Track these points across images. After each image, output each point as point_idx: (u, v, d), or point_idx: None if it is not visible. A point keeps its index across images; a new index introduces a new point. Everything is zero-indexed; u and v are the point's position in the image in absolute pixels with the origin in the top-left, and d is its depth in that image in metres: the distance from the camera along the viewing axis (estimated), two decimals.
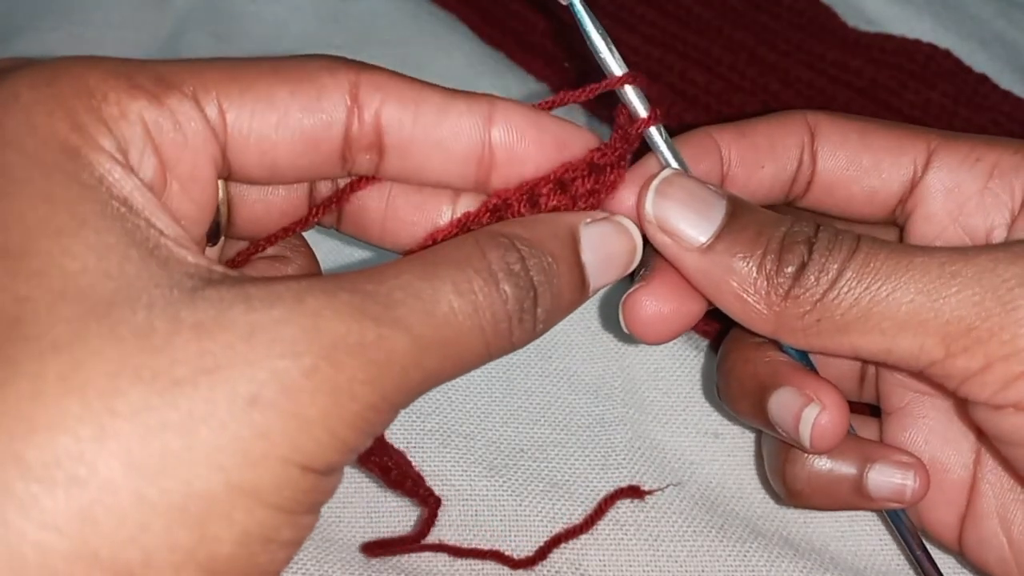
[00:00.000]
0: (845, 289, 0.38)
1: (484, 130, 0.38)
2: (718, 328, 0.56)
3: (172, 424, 0.28)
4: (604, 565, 0.50)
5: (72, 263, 0.29)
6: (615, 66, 0.40)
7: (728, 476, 0.53)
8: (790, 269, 0.38)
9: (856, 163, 0.44)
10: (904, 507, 0.45)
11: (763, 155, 0.44)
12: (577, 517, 0.51)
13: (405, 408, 0.33)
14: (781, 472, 0.45)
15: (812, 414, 0.41)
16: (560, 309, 0.37)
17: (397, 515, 0.51)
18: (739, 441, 0.55)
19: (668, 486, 0.52)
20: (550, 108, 0.40)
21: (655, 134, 0.42)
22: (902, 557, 0.51)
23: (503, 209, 0.39)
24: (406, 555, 0.50)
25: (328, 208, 0.41)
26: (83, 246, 0.30)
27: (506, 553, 0.49)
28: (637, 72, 0.41)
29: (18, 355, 0.28)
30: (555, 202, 0.39)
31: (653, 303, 0.42)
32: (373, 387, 0.31)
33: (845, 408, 0.41)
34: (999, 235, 0.42)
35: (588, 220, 0.39)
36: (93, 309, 0.29)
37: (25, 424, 0.27)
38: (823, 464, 0.44)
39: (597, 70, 0.41)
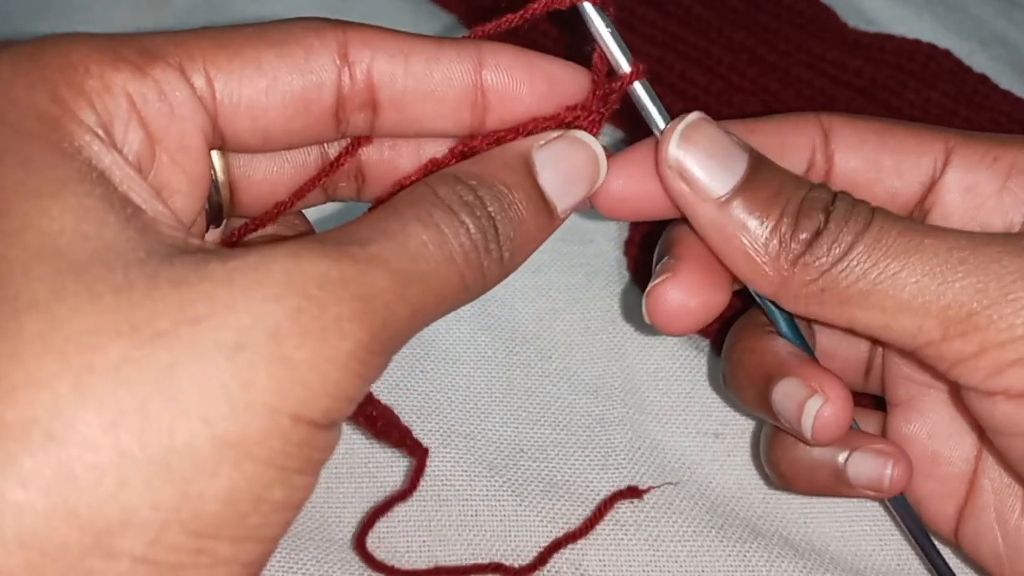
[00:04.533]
0: (855, 263, 0.38)
1: (475, 74, 0.38)
2: (718, 328, 0.56)
3: (152, 377, 0.27)
4: (604, 565, 0.50)
5: (50, 224, 0.29)
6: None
7: (728, 476, 0.53)
8: (804, 235, 0.38)
9: (876, 165, 0.44)
10: (883, 496, 0.45)
11: (770, 154, 0.44)
12: (577, 517, 0.51)
13: (396, 352, 0.33)
14: (770, 457, 0.46)
15: (815, 406, 0.41)
16: (527, 237, 0.36)
17: (397, 515, 0.51)
18: (739, 441, 0.55)
19: (666, 484, 0.52)
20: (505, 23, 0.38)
21: (641, 92, 0.40)
22: (902, 557, 0.51)
23: (469, 155, 0.38)
24: (406, 557, 0.50)
25: (327, 175, 0.40)
26: (61, 208, 0.29)
27: (506, 563, 0.49)
28: (610, 3, 0.38)
29: None
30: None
31: (678, 295, 0.42)
32: (361, 324, 0.30)
33: (849, 401, 0.42)
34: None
35: (541, 142, 0.38)
36: (70, 268, 0.28)
37: (2, 383, 0.27)
38: (805, 450, 0.44)
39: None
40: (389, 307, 0.31)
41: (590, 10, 0.38)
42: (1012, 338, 0.36)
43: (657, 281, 0.42)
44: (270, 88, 0.35)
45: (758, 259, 0.39)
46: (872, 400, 0.51)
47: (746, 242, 0.39)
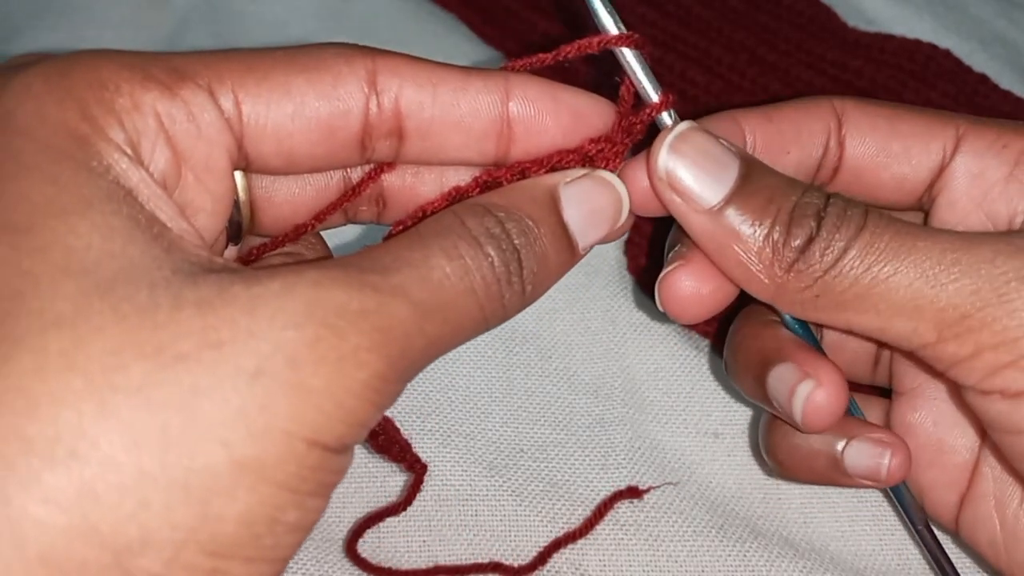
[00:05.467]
0: (848, 268, 0.38)
1: (502, 106, 0.38)
2: (718, 328, 0.56)
3: (174, 399, 0.28)
4: (604, 565, 0.50)
5: (76, 241, 0.29)
6: (612, 26, 0.39)
7: (728, 476, 0.53)
8: (797, 242, 0.38)
9: (885, 150, 0.43)
10: (881, 486, 0.45)
11: (788, 140, 0.43)
12: (577, 517, 0.51)
13: (411, 380, 0.33)
14: (767, 445, 0.46)
15: (806, 390, 0.41)
16: (548, 272, 0.37)
17: (396, 515, 0.51)
18: (739, 441, 0.55)
19: (666, 484, 0.52)
20: (553, 60, 0.39)
21: (669, 123, 0.40)
22: (902, 557, 0.51)
23: (493, 186, 0.39)
24: (406, 557, 0.50)
25: (348, 200, 0.40)
26: (88, 226, 0.30)
27: (505, 563, 0.49)
28: (643, 39, 0.39)
29: (20, 330, 0.28)
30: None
31: (691, 283, 0.42)
32: (378, 355, 0.30)
33: (842, 388, 0.41)
34: (1021, 221, 0.42)
35: (567, 179, 0.38)
36: (96, 286, 0.29)
37: (26, 399, 0.27)
38: (802, 438, 0.44)
39: (601, 62, 0.40)
40: (408, 338, 0.31)
41: (628, 52, 0.39)
42: (1006, 340, 0.36)
43: (669, 269, 0.42)
44: (297, 113, 0.36)
45: (752, 267, 0.39)
46: (879, 389, 0.51)
47: (739, 251, 0.39)
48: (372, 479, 0.52)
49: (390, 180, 0.41)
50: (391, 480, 0.52)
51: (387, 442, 0.46)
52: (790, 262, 0.38)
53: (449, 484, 0.52)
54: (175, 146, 0.34)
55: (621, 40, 0.39)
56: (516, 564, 0.49)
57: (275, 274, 0.30)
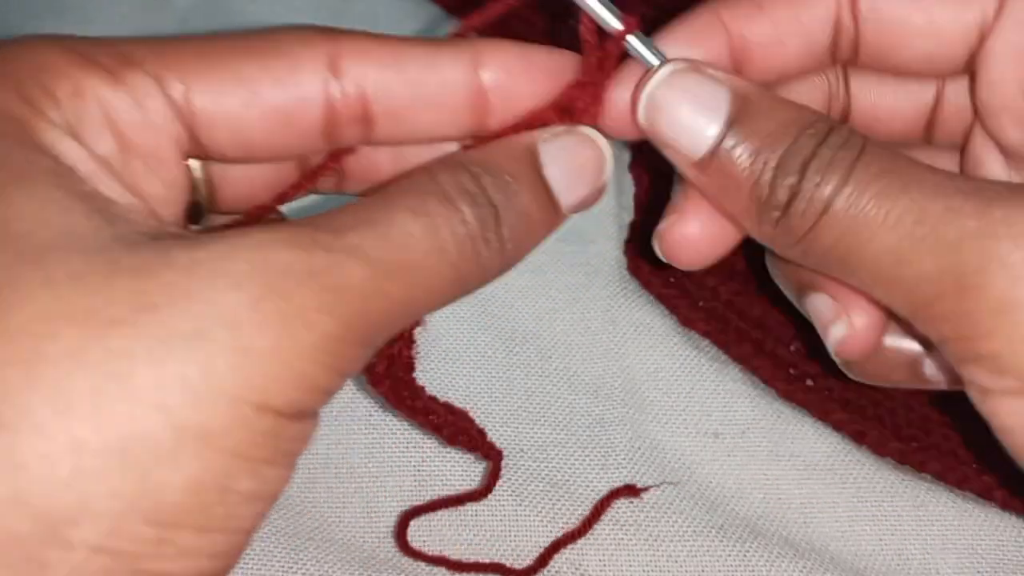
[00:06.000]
0: (827, 229, 0.35)
1: (473, 76, 0.37)
2: (718, 327, 0.56)
3: (106, 364, 0.27)
4: (604, 565, 0.50)
5: (6, 210, 0.28)
6: None
7: (728, 476, 0.53)
8: (781, 200, 0.36)
9: (906, 23, 0.39)
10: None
11: (784, 29, 0.39)
12: (577, 517, 0.51)
13: (380, 344, 0.32)
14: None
15: (840, 331, 0.40)
16: (530, 230, 0.35)
17: (396, 514, 0.51)
18: (739, 441, 0.55)
19: (665, 483, 0.52)
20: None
21: (638, 45, 0.37)
22: (902, 557, 0.51)
23: None
24: (406, 558, 0.50)
25: (308, 183, 0.39)
26: (24, 196, 0.29)
27: (506, 564, 0.49)
28: None
29: None
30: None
31: (693, 228, 0.40)
32: (330, 315, 0.29)
33: (876, 326, 0.40)
34: None
35: (546, 136, 0.37)
36: (26, 254, 0.28)
37: None
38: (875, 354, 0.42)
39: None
40: (365, 299, 0.30)
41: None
42: (962, 336, 0.35)
43: (669, 219, 0.40)
44: (249, 102, 0.34)
45: (743, 219, 0.38)
46: None
47: (728, 203, 0.37)
48: (372, 479, 0.52)
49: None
50: (391, 480, 0.52)
51: (454, 434, 0.45)
52: (775, 220, 0.36)
53: (449, 484, 0.52)
54: (120, 133, 0.33)
55: None
56: (516, 565, 0.49)
57: (219, 237, 0.29)
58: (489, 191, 0.34)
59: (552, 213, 0.36)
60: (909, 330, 0.44)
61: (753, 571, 0.50)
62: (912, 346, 0.42)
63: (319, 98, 0.35)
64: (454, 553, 0.50)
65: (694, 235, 0.40)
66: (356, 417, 0.54)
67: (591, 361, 0.57)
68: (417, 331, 0.39)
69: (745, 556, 0.50)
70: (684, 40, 0.39)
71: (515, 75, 0.37)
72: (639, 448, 0.54)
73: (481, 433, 0.46)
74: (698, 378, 0.57)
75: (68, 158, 0.31)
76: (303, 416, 0.30)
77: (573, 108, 0.37)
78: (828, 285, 0.41)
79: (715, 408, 0.56)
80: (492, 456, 0.47)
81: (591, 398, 0.56)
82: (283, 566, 0.49)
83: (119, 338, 0.27)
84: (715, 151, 0.36)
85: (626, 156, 0.62)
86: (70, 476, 0.26)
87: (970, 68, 0.40)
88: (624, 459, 0.53)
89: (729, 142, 0.36)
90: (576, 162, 0.37)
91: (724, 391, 0.56)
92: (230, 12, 0.74)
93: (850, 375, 0.45)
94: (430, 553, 0.49)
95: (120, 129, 0.33)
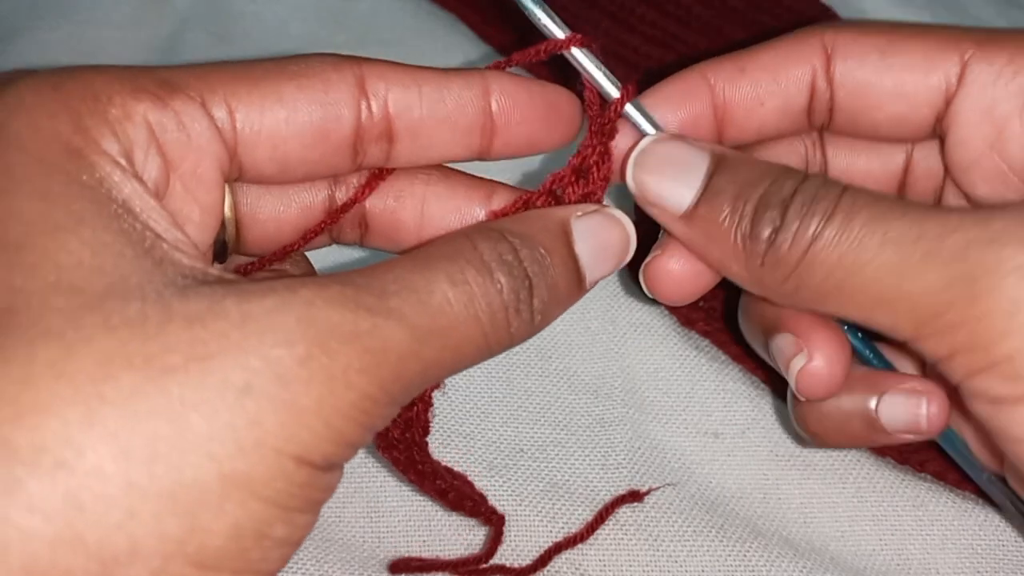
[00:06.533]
0: (820, 258, 0.36)
1: (484, 99, 0.39)
2: (718, 327, 0.56)
3: (163, 411, 0.28)
4: (604, 565, 0.50)
5: (67, 258, 0.29)
6: (557, 31, 0.39)
7: (728, 476, 0.53)
8: (765, 234, 0.37)
9: (876, 88, 0.41)
10: (923, 438, 0.43)
11: (764, 90, 0.42)
12: (577, 517, 0.51)
13: (405, 403, 0.33)
14: (796, 415, 0.45)
15: (799, 364, 0.41)
16: (557, 302, 0.37)
17: (396, 514, 0.51)
18: (739, 441, 0.55)
19: (666, 485, 0.52)
20: (504, 67, 0.40)
21: (633, 113, 0.40)
22: (902, 557, 0.51)
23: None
24: (406, 555, 0.50)
25: (344, 211, 0.41)
26: (78, 242, 0.30)
27: (507, 564, 0.49)
28: (587, 37, 0.39)
29: (9, 342, 0.28)
30: (579, 192, 0.40)
31: (676, 265, 0.41)
32: (369, 377, 0.30)
33: (837, 357, 0.41)
34: None
35: (579, 213, 0.39)
36: (86, 301, 0.29)
37: (13, 408, 0.27)
38: (832, 404, 0.43)
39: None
40: (402, 362, 0.31)
41: (576, 52, 0.40)
42: (977, 344, 0.35)
43: (653, 255, 0.42)
44: (290, 118, 0.36)
45: (732, 266, 0.39)
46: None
47: (715, 252, 0.39)
48: (372, 479, 0.52)
49: (373, 203, 0.41)
50: (391, 480, 0.52)
51: (458, 498, 0.46)
52: (761, 256, 0.38)
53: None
54: (165, 155, 0.34)
55: (567, 43, 0.39)
56: (517, 565, 0.49)
57: (268, 290, 0.30)
58: (526, 263, 0.35)
59: (578, 287, 0.38)
60: (906, 353, 0.44)
61: (753, 571, 0.50)
62: (868, 402, 0.42)
63: (350, 115, 0.37)
64: (454, 553, 0.50)
65: (675, 272, 0.42)
66: None
67: (591, 361, 0.57)
68: (436, 393, 0.40)
69: (745, 556, 0.50)
70: (672, 98, 0.42)
71: (519, 102, 0.40)
72: (639, 448, 0.54)
73: (482, 498, 0.47)
74: (698, 378, 0.57)
75: (120, 192, 0.32)
76: (333, 468, 0.32)
77: (586, 167, 0.40)
78: (792, 323, 0.42)
79: (715, 408, 0.56)
80: (494, 521, 0.48)
81: (591, 398, 0.56)
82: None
83: (176, 385, 0.28)
84: (698, 202, 0.38)
85: None
86: (124, 518, 0.27)
87: (938, 130, 0.41)
88: (624, 459, 0.53)
89: (710, 192, 0.38)
90: (605, 241, 0.39)
91: (724, 391, 0.56)
92: (230, 12, 0.74)
93: (818, 445, 0.47)
94: (429, 556, 0.49)
95: (165, 151, 0.34)
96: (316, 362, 0.29)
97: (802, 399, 0.42)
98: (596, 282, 0.39)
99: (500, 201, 0.41)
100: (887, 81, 0.41)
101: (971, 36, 0.40)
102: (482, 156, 0.40)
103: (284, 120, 0.36)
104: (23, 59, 0.69)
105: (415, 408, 0.41)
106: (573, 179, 0.40)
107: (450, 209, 0.41)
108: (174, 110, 0.34)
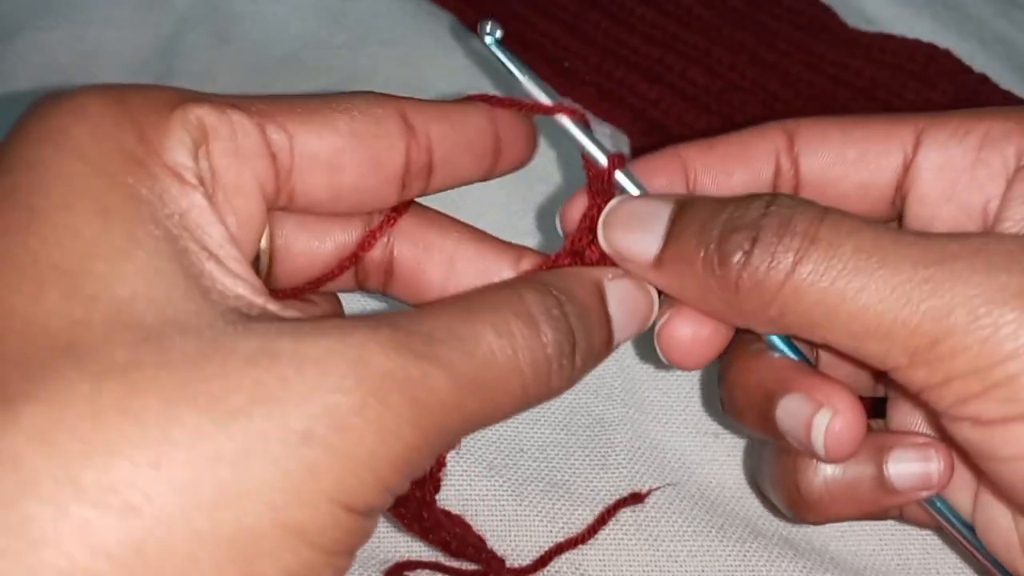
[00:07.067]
0: (808, 281, 0.35)
1: (494, 124, 0.40)
2: None
3: (226, 456, 0.28)
4: (604, 565, 0.50)
5: (123, 288, 0.29)
6: (546, 98, 0.41)
7: (728, 476, 0.53)
8: (735, 258, 0.36)
9: (841, 158, 0.43)
10: (932, 494, 0.42)
11: (732, 164, 0.43)
12: (577, 517, 0.51)
13: (442, 453, 0.33)
14: (793, 485, 0.43)
15: (824, 420, 0.39)
16: (594, 358, 0.38)
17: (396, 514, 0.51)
18: (739, 441, 0.55)
19: (667, 485, 0.52)
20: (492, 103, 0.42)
21: (620, 178, 0.42)
22: (902, 557, 0.51)
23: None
24: (406, 556, 0.50)
25: (371, 243, 0.41)
26: (134, 270, 0.30)
27: (510, 566, 0.49)
28: (575, 109, 0.41)
29: (74, 377, 0.28)
30: None
31: (687, 328, 0.41)
32: (417, 427, 0.30)
33: (860, 409, 0.39)
34: (995, 207, 0.40)
35: (610, 276, 0.39)
36: (146, 336, 0.29)
37: (82, 446, 0.27)
38: (835, 469, 0.42)
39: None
40: (445, 412, 0.31)
41: (566, 122, 0.41)
42: (977, 368, 0.34)
43: (663, 320, 0.41)
44: (347, 146, 0.37)
45: (708, 298, 0.38)
46: (872, 406, 0.48)
47: (691, 289, 0.39)
48: None
49: (401, 249, 0.42)
50: None
51: (461, 546, 0.46)
52: (735, 280, 0.37)
53: (449, 484, 0.52)
54: (211, 158, 0.34)
55: (555, 110, 0.41)
56: (517, 565, 0.49)
57: (320, 332, 0.30)
58: (571, 318, 0.36)
59: (608, 346, 0.39)
60: (888, 384, 0.44)
61: (753, 571, 0.50)
62: (870, 463, 0.42)
63: (402, 147, 0.38)
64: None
65: (687, 338, 0.41)
66: None
67: None
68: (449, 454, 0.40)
69: (745, 556, 0.50)
70: (644, 172, 0.43)
71: (516, 127, 0.41)
72: (639, 448, 0.54)
73: (481, 542, 0.47)
74: (698, 378, 0.57)
75: (179, 206, 0.32)
76: (373, 514, 0.31)
77: (592, 226, 0.41)
78: (798, 382, 0.40)
79: (715, 408, 0.56)
80: (494, 567, 0.48)
81: (591, 398, 0.56)
82: None
83: (239, 429, 0.28)
84: (664, 246, 0.39)
85: (627, 156, 0.62)
86: (185, 565, 0.27)
87: (897, 200, 0.43)
88: (624, 459, 0.53)
89: (675, 233, 0.39)
90: (633, 304, 0.40)
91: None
92: (230, 12, 0.74)
93: (812, 520, 0.44)
94: (429, 559, 0.49)
95: (212, 154, 0.34)
96: (372, 411, 0.29)
97: (827, 460, 0.41)
98: (621, 343, 0.40)
99: (528, 264, 0.42)
100: (850, 151, 0.43)
101: (923, 115, 0.42)
102: (490, 175, 0.42)
103: (341, 148, 0.36)
104: (23, 59, 0.69)
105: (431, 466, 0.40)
106: (591, 239, 0.41)
107: (479, 268, 0.42)
108: (230, 120, 0.34)
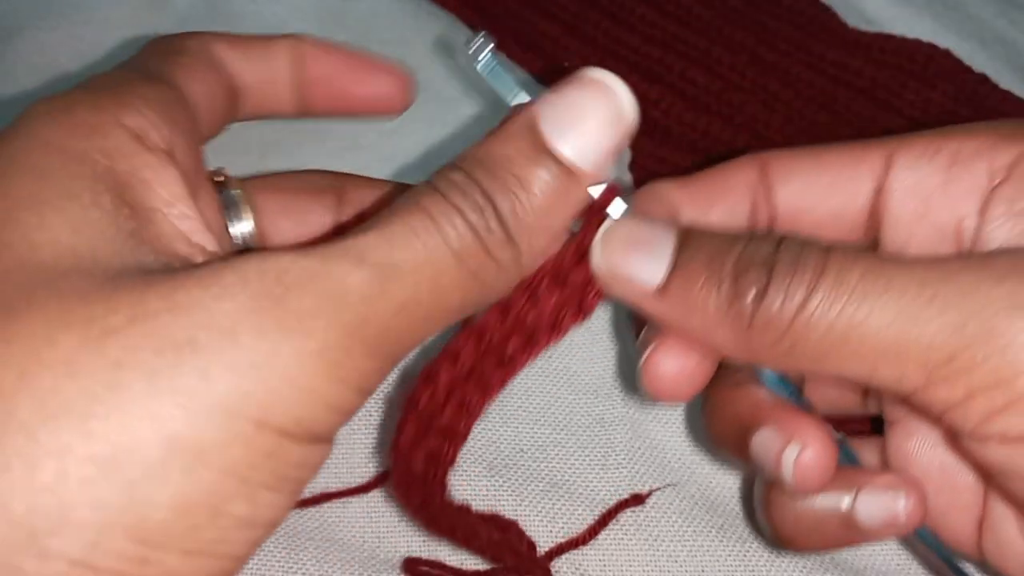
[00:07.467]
0: (817, 314, 0.35)
1: (300, 60, 0.43)
2: None
3: (99, 371, 0.26)
4: (604, 565, 0.50)
5: (42, 235, 0.29)
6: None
7: (728, 476, 0.53)
8: (751, 295, 0.35)
9: (813, 186, 0.42)
10: (901, 533, 0.42)
11: (707, 201, 0.43)
12: (577, 517, 0.51)
13: (401, 357, 0.31)
14: (768, 517, 0.43)
15: (792, 454, 0.39)
16: (540, 209, 0.34)
17: (397, 514, 0.51)
18: None
19: (667, 486, 0.52)
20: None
21: (613, 211, 0.39)
22: (902, 557, 0.51)
23: (508, 311, 0.38)
24: (406, 556, 0.50)
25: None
26: (62, 219, 0.29)
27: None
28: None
29: None
30: (555, 297, 0.38)
31: (673, 362, 0.39)
32: (328, 321, 0.28)
33: (829, 445, 0.39)
34: (969, 225, 0.40)
35: (547, 96, 0.36)
36: (46, 277, 0.28)
37: None
38: (807, 502, 0.41)
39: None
40: (367, 303, 0.29)
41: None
42: (1000, 380, 0.33)
43: (647, 354, 0.40)
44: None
45: (716, 333, 0.37)
46: (870, 423, 0.49)
47: (697, 321, 0.37)
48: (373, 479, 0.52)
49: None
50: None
51: (499, 553, 0.45)
52: (748, 317, 0.36)
53: (451, 483, 0.52)
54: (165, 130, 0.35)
55: (601, 206, 0.38)
56: None
57: (225, 257, 0.29)
58: (479, 179, 0.33)
59: (566, 180, 0.34)
60: (904, 407, 0.43)
61: (753, 571, 0.50)
62: (843, 500, 0.41)
63: (211, 77, 0.40)
64: (455, 553, 0.50)
65: (670, 374, 0.39)
66: (357, 415, 0.54)
67: (591, 361, 0.57)
68: (473, 426, 0.38)
69: (745, 556, 0.50)
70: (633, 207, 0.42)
71: (342, 73, 0.45)
72: (639, 448, 0.54)
73: (532, 547, 0.46)
74: None
75: (130, 162, 0.32)
76: (312, 439, 0.29)
77: (585, 248, 0.38)
78: (774, 416, 0.40)
79: None
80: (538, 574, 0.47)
81: (591, 398, 0.56)
82: (283, 566, 0.49)
83: (114, 347, 0.26)
84: (671, 274, 0.36)
85: (627, 155, 0.62)
86: (53, 482, 0.26)
87: (872, 222, 0.43)
88: (624, 459, 0.53)
89: (682, 262, 0.36)
90: (589, 126, 0.35)
91: None
92: (230, 12, 0.74)
93: (791, 551, 0.44)
94: (434, 559, 0.49)
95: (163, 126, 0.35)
96: (265, 311, 0.27)
97: (796, 491, 0.40)
98: (599, 161, 0.35)
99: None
100: (823, 178, 0.42)
101: (895, 138, 0.42)
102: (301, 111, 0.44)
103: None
104: (23, 59, 0.69)
105: (445, 442, 0.39)
106: (575, 262, 0.38)
107: None
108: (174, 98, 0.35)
